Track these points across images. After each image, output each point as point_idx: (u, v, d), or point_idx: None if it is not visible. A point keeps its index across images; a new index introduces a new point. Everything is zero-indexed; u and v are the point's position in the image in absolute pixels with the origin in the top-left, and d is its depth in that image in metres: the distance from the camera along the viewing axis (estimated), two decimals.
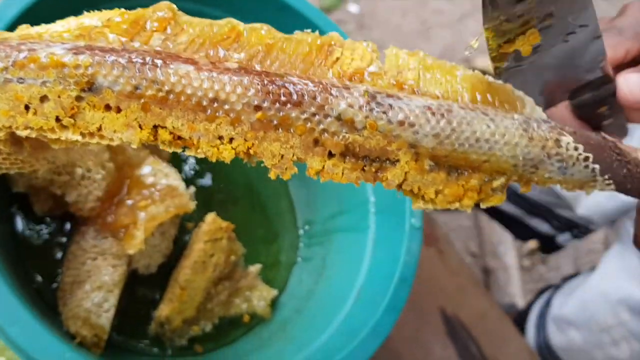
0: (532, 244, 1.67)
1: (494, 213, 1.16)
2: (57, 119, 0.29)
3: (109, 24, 0.30)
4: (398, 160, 0.30)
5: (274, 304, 0.56)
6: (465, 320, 0.82)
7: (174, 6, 0.32)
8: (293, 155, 0.30)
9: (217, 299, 0.51)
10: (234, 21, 0.32)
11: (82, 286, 0.45)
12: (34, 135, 0.29)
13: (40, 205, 0.48)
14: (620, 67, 0.43)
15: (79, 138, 0.29)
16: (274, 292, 0.56)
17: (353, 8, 1.89)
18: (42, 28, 0.30)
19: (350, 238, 0.55)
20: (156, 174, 0.47)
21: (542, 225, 1.15)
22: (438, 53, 1.91)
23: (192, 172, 0.58)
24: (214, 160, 0.30)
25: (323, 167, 0.30)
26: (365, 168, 0.31)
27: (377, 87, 0.31)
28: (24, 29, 0.30)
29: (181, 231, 0.54)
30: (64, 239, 0.49)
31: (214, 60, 0.30)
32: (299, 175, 0.61)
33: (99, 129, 0.29)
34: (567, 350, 1.03)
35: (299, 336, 0.50)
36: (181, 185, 0.48)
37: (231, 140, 0.29)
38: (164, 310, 0.49)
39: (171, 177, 0.47)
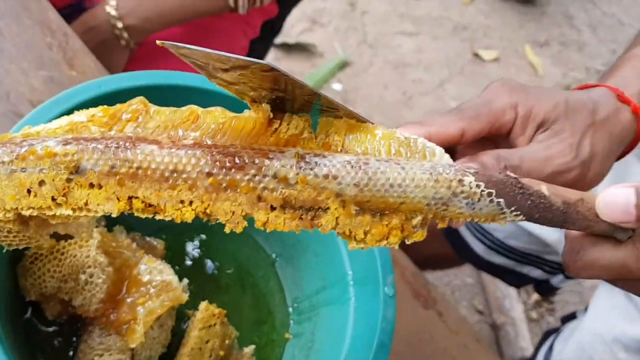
0: (536, 295, 1.68)
1: (487, 267, 1.19)
2: (53, 199, 0.35)
3: (92, 118, 0.38)
4: (328, 208, 0.36)
5: None
6: None
7: (146, 100, 0.39)
8: (242, 211, 0.36)
9: None
10: (194, 107, 0.39)
11: None
12: (35, 213, 0.35)
13: (51, 310, 0.53)
14: (459, 145, 0.46)
15: (71, 213, 0.35)
16: None
17: (337, 86, 2.00)
18: (41, 127, 0.38)
19: (334, 311, 0.58)
20: (151, 271, 0.52)
21: (534, 271, 1.18)
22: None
23: (190, 262, 0.63)
24: (178, 221, 0.36)
25: (267, 219, 0.36)
26: (302, 217, 0.36)
27: (307, 148, 0.37)
28: (26, 129, 0.38)
29: (180, 318, 0.58)
30: (74, 339, 0.54)
31: (174, 139, 0.37)
32: (285, 256, 0.66)
33: (86, 203, 0.35)
34: None
35: None
36: (174, 279, 0.52)
37: (191, 203, 0.36)
38: None
39: (165, 273, 0.52)
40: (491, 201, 0.36)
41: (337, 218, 0.36)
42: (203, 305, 0.55)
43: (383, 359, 0.50)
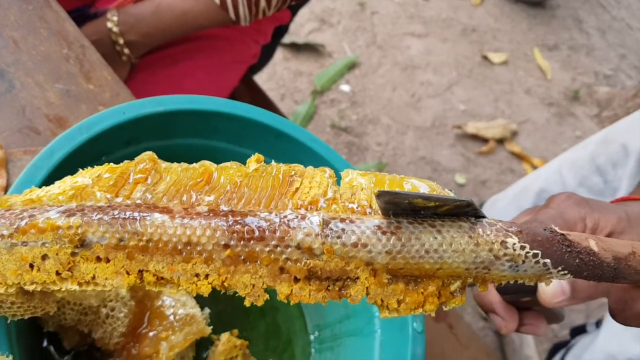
0: None
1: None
2: (57, 273, 0.33)
3: (98, 181, 0.35)
4: (358, 278, 0.33)
5: None
6: None
7: (155, 156, 0.37)
8: (263, 284, 0.33)
9: None
10: (207, 163, 0.37)
11: None
12: (39, 288, 0.33)
13: (69, 340, 0.52)
14: None
15: (77, 287, 0.33)
16: None
17: (345, 88, 1.98)
18: (43, 191, 0.35)
19: (358, 342, 0.57)
20: (175, 304, 0.51)
21: None
22: (430, 121, 1.98)
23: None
24: (194, 294, 0.34)
25: (291, 291, 0.33)
26: (329, 287, 0.34)
27: (332, 212, 0.34)
28: (28, 193, 0.36)
29: (200, 345, 0.57)
30: None
31: (186, 205, 0.34)
32: None
33: (93, 277, 0.33)
34: None
35: None
36: (198, 312, 0.52)
37: (207, 276, 0.33)
38: None
39: (188, 306, 0.51)
40: (537, 262, 0.34)
41: (367, 288, 0.34)
42: (225, 336, 0.55)
43: None
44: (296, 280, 0.33)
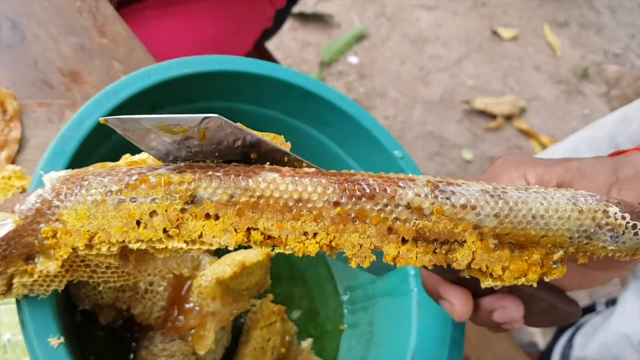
0: None
1: None
2: (164, 231, 0.32)
3: None
4: (465, 241, 0.33)
5: None
6: None
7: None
8: (370, 244, 0.33)
9: None
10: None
11: None
12: (143, 247, 0.32)
13: (104, 316, 0.49)
14: None
15: (183, 246, 0.32)
16: None
17: (353, 59, 1.94)
18: (144, 155, 0.34)
19: (393, 302, 0.55)
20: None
21: None
22: (438, 96, 1.95)
23: None
24: (300, 255, 0.33)
25: (398, 253, 0.33)
26: (436, 251, 0.33)
27: (436, 179, 0.34)
28: (128, 157, 0.35)
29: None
30: (133, 344, 0.50)
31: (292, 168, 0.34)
32: None
33: (200, 235, 0.32)
34: None
35: None
36: None
37: (315, 235, 0.33)
38: None
39: None
40: (635, 234, 0.33)
41: (473, 252, 0.33)
42: (264, 303, 0.53)
43: (458, 357, 0.48)
44: (404, 241, 0.33)
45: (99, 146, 0.47)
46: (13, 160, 0.60)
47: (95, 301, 0.47)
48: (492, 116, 1.95)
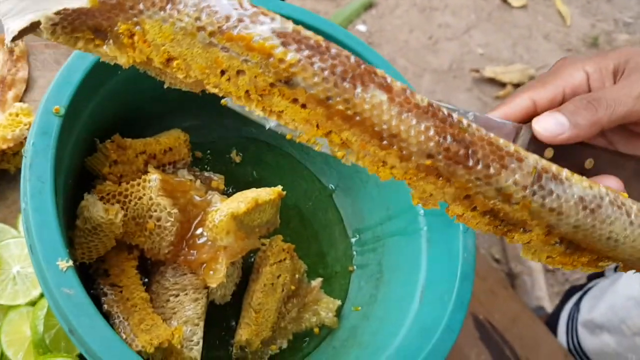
0: None
1: None
2: (247, 92, 0.30)
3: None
4: (531, 231, 0.32)
5: (339, 313, 0.57)
6: (498, 324, 0.83)
7: None
8: (442, 198, 0.32)
9: (288, 317, 0.53)
10: None
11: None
12: (221, 94, 0.31)
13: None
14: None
15: (260, 113, 0.30)
16: (337, 302, 0.57)
17: (361, 27, 1.93)
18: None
19: (403, 241, 0.56)
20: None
21: None
22: (447, 65, 1.94)
23: None
24: (370, 173, 0.32)
25: (463, 214, 0.33)
26: (498, 226, 0.33)
27: (544, 164, 0.32)
28: None
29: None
30: (145, 279, 0.51)
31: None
32: (343, 187, 0.64)
33: (281, 112, 0.30)
34: (600, 354, 1.03)
35: (371, 341, 0.52)
36: None
37: (392, 167, 0.31)
38: (242, 334, 0.51)
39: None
40: None
41: (531, 239, 0.33)
42: (274, 240, 0.54)
43: (468, 291, 0.48)
44: (474, 208, 0.32)
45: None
46: (20, 99, 0.62)
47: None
48: (502, 84, 1.95)
